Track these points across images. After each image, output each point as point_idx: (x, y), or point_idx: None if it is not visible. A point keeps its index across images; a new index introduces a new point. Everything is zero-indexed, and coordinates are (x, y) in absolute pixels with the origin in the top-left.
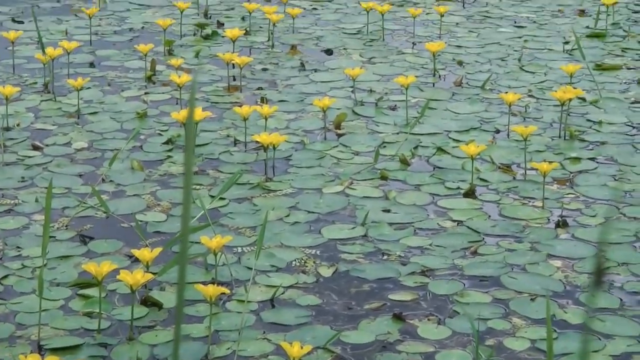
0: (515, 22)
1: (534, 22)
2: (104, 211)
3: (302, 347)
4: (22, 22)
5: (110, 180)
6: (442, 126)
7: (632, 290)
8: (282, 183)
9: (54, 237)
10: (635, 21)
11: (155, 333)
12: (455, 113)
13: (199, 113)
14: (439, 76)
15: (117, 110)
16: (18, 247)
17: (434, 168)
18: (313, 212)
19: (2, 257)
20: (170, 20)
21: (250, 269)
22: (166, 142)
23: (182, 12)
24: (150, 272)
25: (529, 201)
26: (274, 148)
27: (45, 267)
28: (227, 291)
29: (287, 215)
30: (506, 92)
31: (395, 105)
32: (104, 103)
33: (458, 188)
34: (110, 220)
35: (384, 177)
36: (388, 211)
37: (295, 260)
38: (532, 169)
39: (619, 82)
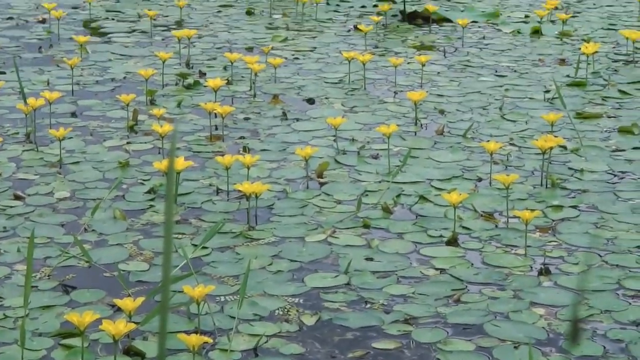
0: (496, 71)
1: (515, 71)
2: (87, 261)
3: None
4: (3, 73)
5: (93, 230)
6: (424, 175)
7: (615, 338)
8: (265, 232)
9: (36, 286)
10: (615, 70)
11: None
12: (437, 161)
13: (181, 162)
14: (421, 125)
15: (99, 160)
16: (0, 297)
17: (416, 216)
18: (296, 261)
19: None
20: (152, 70)
21: (233, 317)
22: (148, 192)
23: (164, 62)
24: (133, 322)
25: (512, 249)
26: (257, 197)
27: (28, 317)
28: (210, 340)
29: (270, 264)
30: (488, 141)
31: (378, 154)
32: (86, 153)
33: (440, 236)
34: (93, 269)
35: (366, 226)
36: (371, 259)
37: (278, 309)
38: (514, 217)
39: (599, 130)
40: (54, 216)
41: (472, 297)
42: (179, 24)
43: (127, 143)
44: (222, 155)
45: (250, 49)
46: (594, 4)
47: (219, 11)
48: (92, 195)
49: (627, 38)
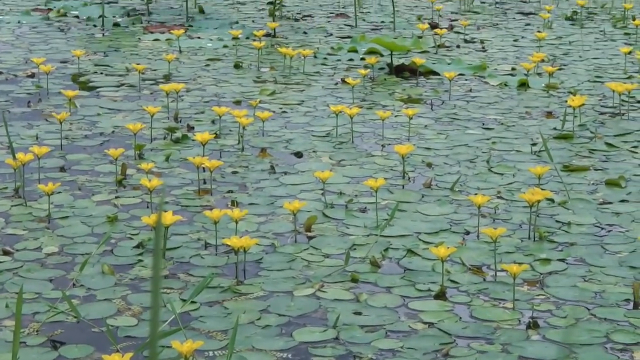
0: (483, 124)
1: (502, 124)
2: (75, 316)
3: None
4: None
5: (81, 285)
6: (412, 228)
7: None
8: (253, 286)
9: (25, 342)
10: (602, 123)
11: None
12: (425, 215)
13: (170, 217)
14: (409, 178)
15: (88, 215)
16: None
17: (404, 270)
18: (284, 315)
19: None
20: (140, 125)
21: None
22: (137, 246)
23: (152, 116)
24: None
25: (500, 303)
26: (245, 251)
27: None
28: None
29: (259, 319)
30: (475, 194)
31: (365, 208)
32: (74, 207)
33: (429, 290)
34: (81, 325)
35: (354, 280)
36: (359, 314)
37: None
38: (502, 270)
39: (587, 183)
40: (42, 271)
41: (461, 351)
42: (167, 78)
43: (116, 197)
44: (211, 210)
45: (238, 103)
46: (580, 57)
47: (207, 65)
48: (80, 250)
49: (613, 91)
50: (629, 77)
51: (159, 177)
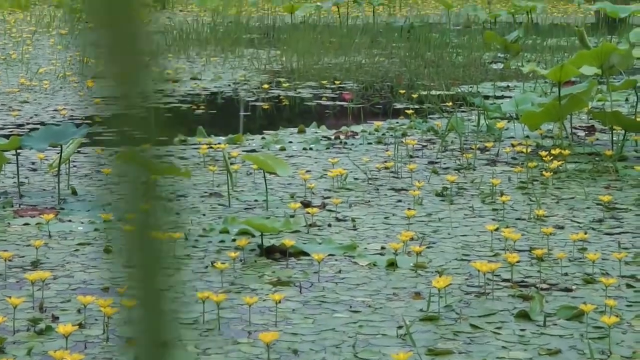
0: (350, 307)
1: (369, 306)
2: None
3: None
4: None
5: None
6: None
7: None
8: None
9: None
10: (467, 303)
11: None
12: None
13: None
14: None
15: None
16: None
17: None
18: None
19: None
20: (2, 318)
21: None
22: None
23: (15, 308)
24: None
25: None
26: None
27: None
28: None
29: None
30: None
31: None
32: None
33: None
34: None
35: None
36: None
37: None
38: None
39: None
40: None
41: None
42: (35, 265)
43: None
44: None
45: (106, 290)
46: (449, 234)
47: (77, 250)
48: None
49: (478, 270)
50: (495, 255)
51: None
